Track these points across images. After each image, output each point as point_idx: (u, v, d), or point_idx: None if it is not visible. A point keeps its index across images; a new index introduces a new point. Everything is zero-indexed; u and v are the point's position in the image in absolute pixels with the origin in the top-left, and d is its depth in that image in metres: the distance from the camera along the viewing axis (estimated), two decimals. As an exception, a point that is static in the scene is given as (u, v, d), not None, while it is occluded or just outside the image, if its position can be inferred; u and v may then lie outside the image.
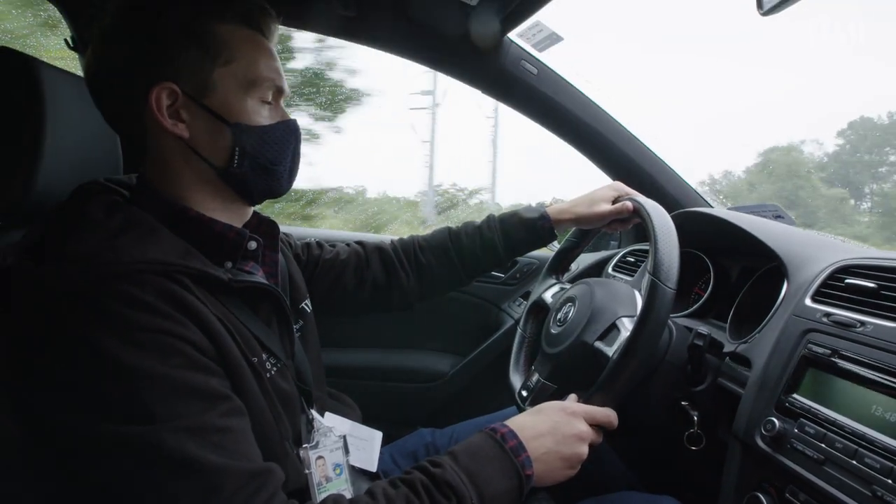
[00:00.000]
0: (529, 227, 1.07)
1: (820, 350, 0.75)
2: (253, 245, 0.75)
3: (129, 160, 0.91)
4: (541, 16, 1.20)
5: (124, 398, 0.55)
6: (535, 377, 0.99)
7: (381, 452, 0.94)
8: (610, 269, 1.48)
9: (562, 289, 1.12)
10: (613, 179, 1.15)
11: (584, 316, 0.92)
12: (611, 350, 0.85)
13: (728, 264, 1.16)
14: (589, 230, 1.14)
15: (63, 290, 0.57)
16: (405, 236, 1.13)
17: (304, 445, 0.77)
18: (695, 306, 1.13)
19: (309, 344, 0.89)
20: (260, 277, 0.76)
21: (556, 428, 0.75)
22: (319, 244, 1.09)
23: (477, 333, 1.83)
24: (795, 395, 0.75)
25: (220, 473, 0.56)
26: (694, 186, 1.52)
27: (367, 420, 0.97)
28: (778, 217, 1.27)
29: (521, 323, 1.18)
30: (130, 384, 0.55)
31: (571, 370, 0.93)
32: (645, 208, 0.91)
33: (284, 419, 0.72)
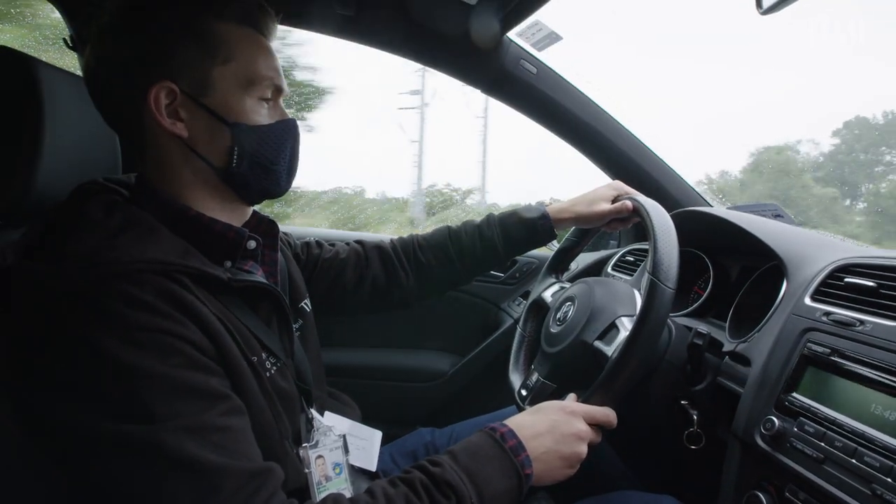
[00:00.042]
0: (529, 226, 1.07)
1: (819, 349, 0.75)
2: (252, 244, 0.75)
3: (128, 159, 0.91)
4: (540, 15, 1.20)
5: (124, 398, 0.55)
6: (535, 376, 0.99)
7: (380, 452, 0.94)
8: (609, 269, 1.48)
9: (561, 288, 1.12)
10: (613, 178, 1.15)
11: (583, 315, 0.92)
12: (610, 349, 0.85)
13: (728, 263, 1.16)
14: (588, 229, 1.14)
15: (63, 289, 0.57)
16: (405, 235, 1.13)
17: (303, 445, 0.77)
18: (694, 305, 1.13)
19: (308, 343, 0.89)
20: (259, 277, 0.76)
21: (555, 427, 0.75)
22: (319, 243, 1.09)
23: (476, 333, 1.83)
24: (795, 394, 0.75)
25: (220, 473, 0.56)
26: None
27: (367, 419, 0.97)
28: (777, 216, 1.27)
29: (521, 322, 1.18)
30: (130, 383, 0.55)
31: (571, 369, 0.93)
32: (644, 207, 0.91)
33: (284, 418, 0.72)
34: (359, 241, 1.11)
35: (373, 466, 0.90)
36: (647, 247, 0.85)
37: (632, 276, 1.33)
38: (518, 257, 1.82)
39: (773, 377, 0.79)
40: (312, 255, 1.05)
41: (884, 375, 0.66)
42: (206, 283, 0.66)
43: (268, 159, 0.74)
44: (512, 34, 1.31)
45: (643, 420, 0.92)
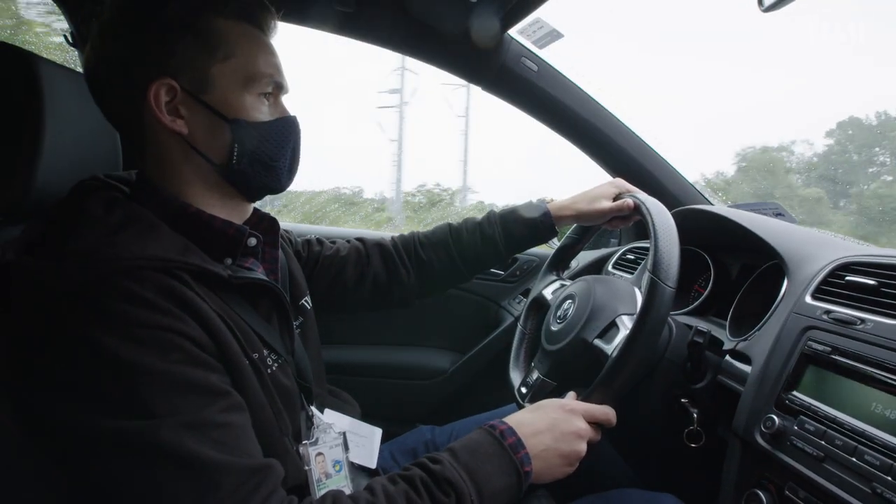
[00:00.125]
0: (530, 224, 1.07)
1: (820, 347, 0.75)
2: (252, 241, 0.75)
3: (128, 156, 0.91)
4: (541, 12, 1.20)
5: (124, 394, 0.55)
6: (535, 374, 0.99)
7: (380, 449, 0.94)
8: (610, 267, 1.48)
9: (562, 285, 1.12)
10: (613, 176, 1.15)
11: (583, 313, 0.92)
12: (610, 348, 0.85)
13: (728, 262, 1.16)
14: (590, 227, 1.14)
15: (62, 286, 0.57)
16: (406, 233, 1.13)
17: (303, 442, 0.77)
18: (695, 304, 1.13)
19: (309, 341, 0.89)
20: (260, 274, 0.76)
21: (554, 425, 0.75)
22: (320, 241, 1.09)
23: (477, 331, 1.83)
24: (795, 393, 0.75)
25: (220, 469, 0.56)
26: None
27: (367, 417, 0.97)
28: (778, 215, 1.27)
29: (522, 319, 1.18)
30: (130, 380, 0.55)
31: (571, 367, 0.93)
32: (646, 205, 0.91)
33: (284, 415, 0.72)
34: (359, 239, 1.11)
35: (373, 464, 0.90)
36: (647, 245, 0.85)
37: (632, 274, 1.33)
38: (518, 255, 1.82)
39: (773, 375, 0.79)
40: (313, 253, 1.05)
41: (884, 374, 0.66)
42: (206, 279, 0.66)
43: (268, 156, 0.74)
44: (513, 32, 1.31)
45: (643, 418, 0.92)
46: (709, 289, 1.13)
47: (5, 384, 0.59)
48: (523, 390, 1.00)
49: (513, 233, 1.07)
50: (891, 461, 0.60)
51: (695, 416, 0.86)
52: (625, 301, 0.91)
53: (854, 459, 0.64)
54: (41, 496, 0.62)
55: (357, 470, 0.87)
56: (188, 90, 0.68)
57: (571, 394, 0.84)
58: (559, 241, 1.22)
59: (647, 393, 0.89)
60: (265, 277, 0.75)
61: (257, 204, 0.83)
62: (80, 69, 0.86)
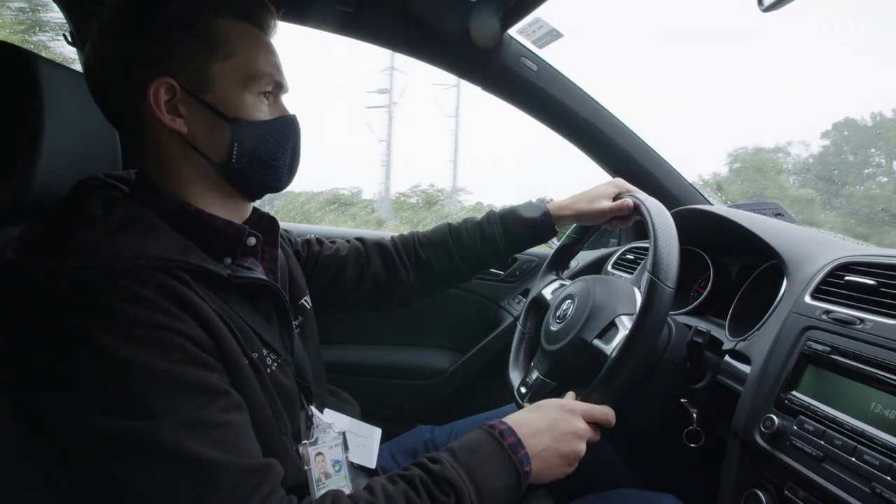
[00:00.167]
0: (530, 224, 1.07)
1: (819, 347, 0.75)
2: (252, 241, 0.75)
3: (127, 156, 0.91)
4: (541, 12, 1.20)
5: (123, 394, 0.55)
6: (535, 374, 0.99)
7: (380, 449, 0.94)
8: (609, 267, 1.48)
9: (562, 285, 1.12)
10: (613, 176, 1.15)
11: (583, 313, 0.92)
12: (609, 348, 0.85)
13: (728, 262, 1.16)
14: (589, 227, 1.14)
15: (62, 286, 0.57)
16: (405, 233, 1.13)
17: (303, 442, 0.77)
18: (694, 304, 1.13)
19: (309, 340, 0.89)
20: (259, 273, 0.76)
21: (554, 425, 0.75)
22: (319, 241, 1.09)
23: (476, 331, 1.83)
24: (795, 393, 0.75)
25: (219, 469, 0.56)
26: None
27: (367, 417, 0.97)
28: (778, 215, 1.27)
29: (521, 319, 1.18)
30: (129, 380, 0.55)
31: (570, 367, 0.93)
32: (645, 205, 0.91)
33: (284, 415, 0.72)
34: (359, 239, 1.11)
35: (372, 464, 0.90)
36: (647, 245, 0.84)
37: (632, 274, 1.33)
38: (518, 255, 1.82)
39: (772, 375, 0.79)
40: (313, 253, 1.05)
41: (884, 374, 0.66)
42: (206, 279, 0.66)
43: (268, 155, 0.74)
44: (512, 31, 1.31)
45: (643, 418, 0.92)
46: (708, 289, 1.13)
47: (5, 384, 0.58)
48: (523, 390, 1.00)
49: (512, 232, 1.07)
50: (890, 461, 0.60)
51: (694, 416, 0.86)
52: (624, 301, 0.91)
53: (853, 459, 0.64)
54: (41, 496, 0.62)
55: (356, 470, 0.87)
56: (188, 89, 0.68)
57: (571, 394, 0.84)
58: (559, 240, 1.21)
59: (647, 393, 0.89)
60: (265, 277, 0.75)
61: (256, 203, 0.83)
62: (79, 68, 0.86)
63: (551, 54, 1.37)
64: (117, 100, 0.70)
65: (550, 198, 1.11)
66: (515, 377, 1.09)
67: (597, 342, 0.88)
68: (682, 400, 0.88)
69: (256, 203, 0.83)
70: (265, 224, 0.83)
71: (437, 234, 1.10)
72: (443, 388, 1.79)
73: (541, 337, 1.02)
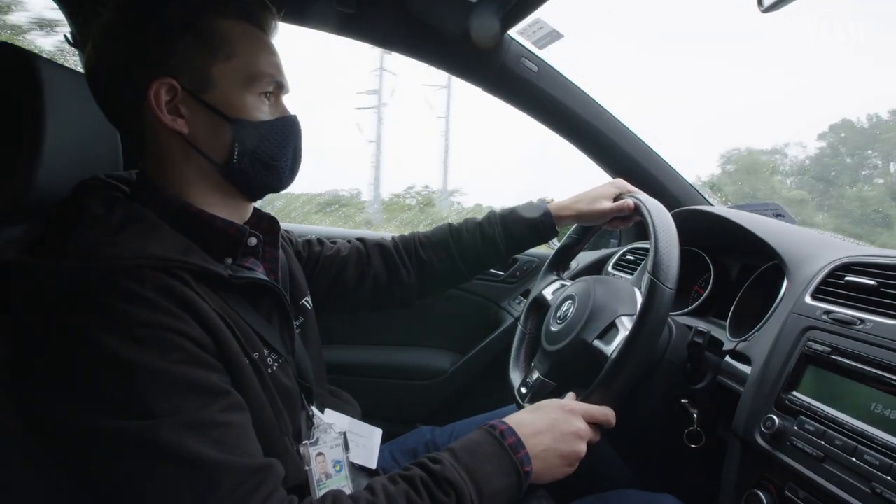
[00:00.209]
0: (530, 224, 1.07)
1: (820, 347, 0.75)
2: (253, 241, 0.75)
3: (129, 156, 0.91)
4: (541, 13, 1.20)
5: (124, 394, 0.55)
6: (535, 374, 0.99)
7: (381, 450, 0.94)
8: (610, 268, 1.48)
9: (562, 285, 1.12)
10: (614, 177, 1.15)
11: (583, 314, 0.92)
12: (609, 349, 0.85)
13: (728, 262, 1.16)
14: (590, 227, 1.14)
15: (63, 286, 0.57)
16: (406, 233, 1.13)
17: (304, 442, 0.77)
18: (695, 304, 1.13)
19: (309, 341, 0.89)
20: (260, 273, 0.76)
21: (554, 425, 0.75)
22: (320, 241, 1.09)
23: (477, 331, 1.83)
24: (795, 393, 0.75)
25: (220, 469, 0.56)
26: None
27: (367, 417, 0.97)
28: (778, 216, 1.27)
29: (522, 319, 1.18)
30: (130, 380, 0.55)
31: (571, 368, 0.93)
32: (646, 206, 0.91)
33: (285, 415, 0.72)
34: (360, 239, 1.11)
35: (373, 464, 0.90)
36: (647, 246, 0.85)
37: (632, 274, 1.33)
38: (518, 256, 1.82)
39: (773, 376, 0.79)
40: (314, 253, 1.05)
41: (884, 374, 0.66)
42: (207, 279, 0.66)
43: (269, 155, 0.74)
44: (513, 32, 1.31)
45: (643, 419, 0.92)
46: (709, 289, 1.13)
47: (5, 384, 0.58)
48: (523, 390, 1.00)
49: (513, 233, 1.07)
50: (891, 461, 0.60)
51: (695, 416, 0.86)
52: (625, 302, 0.91)
53: (854, 459, 0.64)
54: (42, 496, 0.62)
55: (357, 470, 0.87)
56: (189, 90, 0.68)
57: (571, 394, 0.84)
58: (559, 241, 1.22)
59: (647, 393, 0.89)
60: (265, 277, 0.75)
61: (257, 204, 0.83)
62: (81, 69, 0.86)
63: (552, 55, 1.37)
64: (118, 100, 0.70)
65: (551, 198, 1.11)
66: (516, 378, 1.09)
67: (597, 343, 0.88)
68: (682, 400, 0.88)
69: (257, 203, 0.83)
70: (266, 224, 0.83)
71: (437, 234, 1.10)
72: (443, 388, 1.79)
73: (541, 337, 1.02)
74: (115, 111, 0.72)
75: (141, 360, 0.55)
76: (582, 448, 0.76)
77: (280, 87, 0.76)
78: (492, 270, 1.84)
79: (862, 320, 0.73)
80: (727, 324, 0.99)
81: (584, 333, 0.90)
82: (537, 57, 1.37)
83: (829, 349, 0.74)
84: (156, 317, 0.58)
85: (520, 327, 1.17)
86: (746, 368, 0.85)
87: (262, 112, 0.73)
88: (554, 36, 1.28)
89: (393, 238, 1.12)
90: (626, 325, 0.86)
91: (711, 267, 1.15)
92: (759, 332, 0.87)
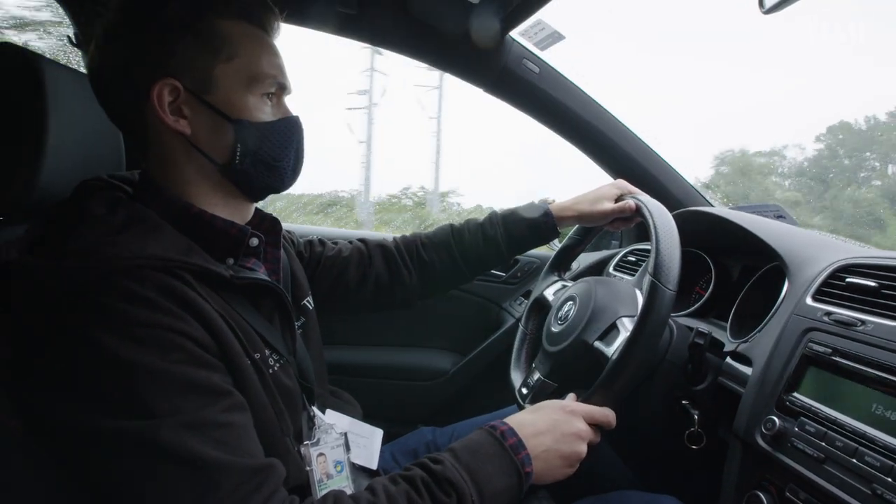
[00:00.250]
0: (532, 225, 1.07)
1: (821, 349, 0.75)
2: (255, 242, 0.76)
3: (131, 156, 0.91)
4: (542, 14, 1.20)
5: (124, 394, 0.55)
6: (536, 375, 0.99)
7: (381, 450, 0.94)
8: (611, 269, 1.48)
9: (563, 286, 1.12)
10: (615, 178, 1.15)
11: (584, 315, 0.92)
12: (610, 350, 0.85)
13: (729, 264, 1.16)
14: (591, 228, 1.14)
15: (62, 286, 0.57)
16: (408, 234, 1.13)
17: (305, 442, 0.78)
18: (696, 305, 1.13)
19: (311, 341, 0.89)
20: (262, 274, 0.76)
21: (555, 426, 0.75)
22: (322, 241, 1.09)
23: (478, 332, 1.83)
24: (796, 394, 0.75)
25: (221, 469, 0.56)
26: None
27: (368, 418, 0.97)
28: (779, 217, 1.27)
29: (523, 320, 1.18)
30: (130, 380, 0.55)
31: (571, 369, 0.93)
32: (647, 207, 0.91)
33: (286, 416, 0.72)
34: (362, 240, 1.12)
35: (374, 465, 0.90)
36: (648, 247, 0.85)
37: (633, 275, 1.33)
38: (520, 257, 1.82)
39: (774, 377, 0.79)
40: (315, 253, 1.05)
41: (885, 375, 0.66)
42: (208, 279, 0.66)
43: (271, 156, 0.74)
44: (514, 33, 1.31)
45: (644, 420, 0.92)
46: (710, 290, 1.13)
47: (5, 384, 0.59)
48: (524, 391, 1.00)
49: (515, 234, 1.07)
50: (891, 462, 0.60)
51: (696, 417, 0.86)
52: (626, 303, 0.92)
53: (854, 461, 0.64)
54: (42, 496, 0.62)
55: (358, 470, 0.87)
56: (191, 90, 0.68)
57: (572, 395, 0.84)
58: (561, 242, 1.22)
59: (648, 394, 0.89)
60: (267, 278, 0.75)
61: (259, 204, 0.84)
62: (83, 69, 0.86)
63: (553, 56, 1.38)
64: (121, 101, 0.71)
65: (553, 199, 1.11)
66: (517, 378, 1.09)
67: (598, 344, 0.88)
68: (683, 401, 0.88)
69: (259, 204, 0.84)
70: (268, 225, 0.83)
71: (439, 235, 1.10)
72: (444, 389, 1.79)
73: (542, 338, 1.02)
74: (117, 111, 0.72)
75: (141, 360, 0.56)
76: (582, 449, 0.76)
77: (282, 88, 0.76)
78: (493, 271, 1.84)
79: (863, 322, 0.73)
80: (728, 325, 0.99)
81: (585, 334, 0.90)
82: (539, 58, 1.38)
83: (829, 350, 0.74)
84: (156, 317, 0.58)
85: (521, 328, 1.17)
86: (747, 370, 0.85)
87: (265, 113, 0.73)
88: (555, 37, 1.28)
89: (395, 239, 1.12)
90: (626, 327, 0.86)
91: (712, 268, 1.15)
92: (759, 334, 0.87)
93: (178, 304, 0.60)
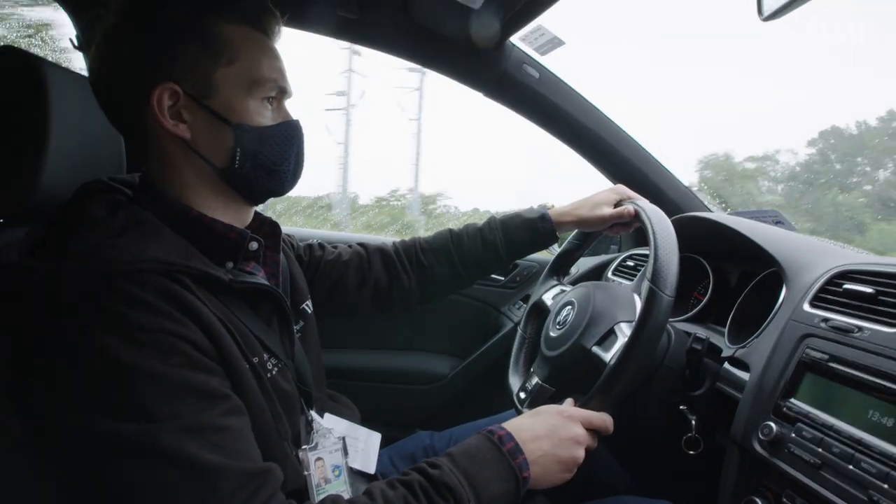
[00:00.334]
0: (531, 229, 1.07)
1: (818, 355, 0.75)
2: (254, 245, 0.76)
3: (132, 159, 0.92)
4: (543, 19, 1.21)
5: (124, 397, 0.55)
6: (534, 379, 0.99)
7: (379, 454, 0.94)
8: (610, 274, 1.49)
9: (562, 291, 1.12)
10: (614, 183, 1.15)
11: (583, 319, 0.92)
12: (608, 356, 0.85)
13: (727, 269, 1.16)
14: (590, 233, 1.14)
15: (63, 288, 0.57)
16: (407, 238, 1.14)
17: (303, 447, 0.77)
18: (694, 311, 1.13)
19: (309, 345, 0.89)
20: (261, 278, 0.76)
21: (553, 431, 0.75)
22: (321, 245, 1.09)
23: (476, 336, 1.83)
24: (793, 400, 0.75)
25: (219, 473, 0.56)
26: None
27: (367, 421, 0.97)
28: (778, 223, 1.27)
29: (522, 324, 1.18)
30: (129, 383, 0.55)
31: (570, 374, 0.93)
32: (646, 213, 0.91)
33: (284, 420, 0.72)
34: (361, 244, 1.12)
35: (371, 469, 0.90)
36: (647, 252, 0.85)
37: (632, 280, 1.33)
38: (519, 261, 1.82)
39: (771, 383, 0.79)
40: (315, 257, 1.06)
41: (881, 382, 0.66)
42: (207, 283, 0.66)
43: (270, 160, 0.74)
44: (514, 38, 1.32)
45: (642, 425, 0.92)
46: (708, 296, 1.13)
47: (6, 384, 0.59)
48: (522, 395, 1.00)
49: (514, 238, 1.07)
50: (887, 469, 0.60)
51: (693, 422, 0.86)
52: (624, 308, 0.92)
53: (851, 467, 0.64)
54: (42, 497, 0.62)
55: (356, 475, 0.87)
56: (191, 94, 0.68)
57: (569, 400, 0.84)
58: (560, 246, 1.22)
59: (646, 400, 0.89)
60: (266, 282, 0.75)
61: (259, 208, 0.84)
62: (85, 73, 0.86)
63: (553, 61, 1.38)
64: (121, 104, 0.71)
65: (552, 204, 1.12)
66: (515, 382, 1.09)
67: (596, 349, 0.88)
68: (681, 407, 0.88)
69: (259, 207, 0.84)
70: (267, 228, 0.83)
71: (438, 239, 1.10)
72: (443, 393, 1.79)
73: (541, 343, 1.03)
74: (116, 115, 0.72)
75: (141, 363, 0.56)
76: (580, 454, 0.76)
77: (283, 92, 0.76)
78: (492, 275, 1.84)
79: (860, 328, 0.73)
80: (726, 330, 0.99)
81: (584, 339, 0.90)
82: (539, 63, 1.38)
83: (826, 357, 0.74)
84: (156, 320, 0.58)
85: (519, 332, 1.18)
86: (745, 375, 0.85)
87: (265, 117, 0.73)
88: (555, 43, 1.29)
89: (394, 243, 1.12)
90: (624, 332, 0.87)
91: (711, 273, 1.16)
92: (757, 339, 0.87)
93: (178, 307, 0.60)
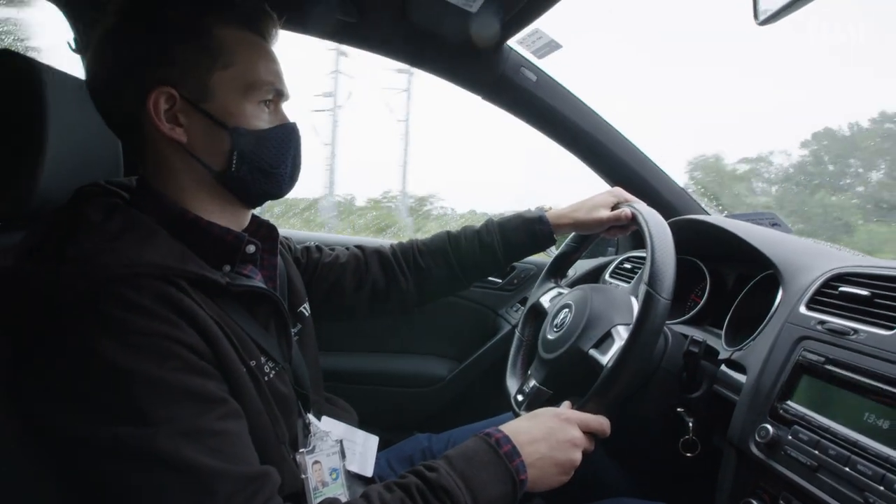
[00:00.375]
0: (529, 232, 1.07)
1: (814, 357, 0.75)
2: (251, 249, 0.76)
3: (129, 162, 0.92)
4: (540, 22, 1.21)
5: (121, 402, 0.55)
6: (531, 382, 0.99)
7: (377, 457, 0.94)
8: (607, 276, 1.49)
9: (560, 293, 1.13)
10: (611, 186, 1.16)
11: (580, 322, 0.92)
12: (605, 359, 0.85)
13: (724, 272, 1.17)
14: (588, 235, 1.14)
15: (60, 293, 0.57)
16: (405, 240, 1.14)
17: (300, 450, 0.77)
18: (691, 313, 1.14)
19: (307, 348, 0.89)
20: (258, 281, 0.76)
21: (550, 434, 0.75)
22: (319, 248, 1.09)
23: (474, 338, 1.83)
24: (789, 402, 0.76)
25: (216, 477, 0.56)
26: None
27: (364, 425, 0.97)
28: (774, 225, 1.28)
29: (519, 326, 1.18)
30: (127, 387, 0.55)
31: (567, 376, 0.93)
32: (643, 216, 0.91)
33: (281, 423, 0.72)
34: (358, 246, 1.12)
35: (369, 472, 0.90)
36: (644, 254, 0.85)
37: (629, 283, 1.34)
38: (516, 263, 1.82)
39: (767, 385, 0.79)
40: (312, 260, 1.05)
41: (877, 384, 0.66)
42: (204, 287, 0.66)
43: (267, 163, 0.74)
44: (512, 42, 1.32)
45: (639, 427, 0.92)
46: (705, 298, 1.13)
47: (6, 384, 0.59)
48: (519, 398, 1.00)
49: (511, 241, 1.07)
50: (883, 471, 0.60)
51: (690, 425, 0.86)
52: (621, 311, 0.92)
53: (847, 469, 0.64)
54: (42, 497, 0.62)
55: (353, 478, 0.87)
56: (188, 98, 0.68)
57: (566, 403, 0.84)
58: (557, 249, 1.22)
59: (643, 402, 0.89)
60: (263, 285, 0.75)
61: (256, 211, 0.84)
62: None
63: (552, 61, 1.38)
64: (117, 108, 0.71)
65: (549, 206, 1.12)
66: (512, 385, 1.09)
67: (593, 352, 0.88)
68: (678, 409, 0.88)
69: (256, 210, 0.84)
70: (264, 231, 0.83)
71: (435, 242, 1.10)
72: (440, 395, 1.79)
73: (538, 345, 1.03)
74: (114, 119, 0.72)
75: (138, 367, 0.56)
76: (577, 456, 0.76)
77: (280, 95, 0.76)
78: (490, 278, 1.84)
79: (855, 330, 0.74)
80: (723, 333, 0.99)
81: (581, 342, 0.90)
82: (536, 66, 1.38)
83: (823, 359, 0.74)
84: (153, 325, 0.58)
85: (517, 334, 1.18)
86: (742, 377, 0.85)
87: (261, 120, 0.73)
88: (553, 46, 1.29)
89: (391, 245, 1.12)
90: (621, 335, 0.87)
91: (708, 276, 1.16)
92: (754, 342, 0.88)
93: (175, 311, 0.60)
